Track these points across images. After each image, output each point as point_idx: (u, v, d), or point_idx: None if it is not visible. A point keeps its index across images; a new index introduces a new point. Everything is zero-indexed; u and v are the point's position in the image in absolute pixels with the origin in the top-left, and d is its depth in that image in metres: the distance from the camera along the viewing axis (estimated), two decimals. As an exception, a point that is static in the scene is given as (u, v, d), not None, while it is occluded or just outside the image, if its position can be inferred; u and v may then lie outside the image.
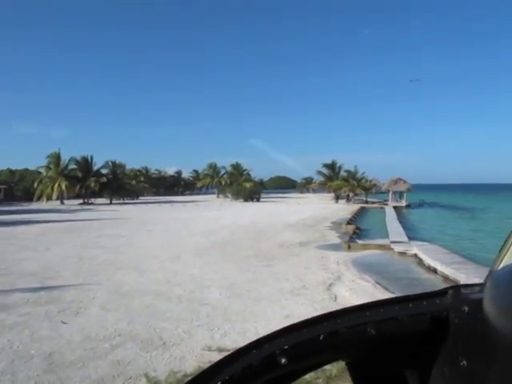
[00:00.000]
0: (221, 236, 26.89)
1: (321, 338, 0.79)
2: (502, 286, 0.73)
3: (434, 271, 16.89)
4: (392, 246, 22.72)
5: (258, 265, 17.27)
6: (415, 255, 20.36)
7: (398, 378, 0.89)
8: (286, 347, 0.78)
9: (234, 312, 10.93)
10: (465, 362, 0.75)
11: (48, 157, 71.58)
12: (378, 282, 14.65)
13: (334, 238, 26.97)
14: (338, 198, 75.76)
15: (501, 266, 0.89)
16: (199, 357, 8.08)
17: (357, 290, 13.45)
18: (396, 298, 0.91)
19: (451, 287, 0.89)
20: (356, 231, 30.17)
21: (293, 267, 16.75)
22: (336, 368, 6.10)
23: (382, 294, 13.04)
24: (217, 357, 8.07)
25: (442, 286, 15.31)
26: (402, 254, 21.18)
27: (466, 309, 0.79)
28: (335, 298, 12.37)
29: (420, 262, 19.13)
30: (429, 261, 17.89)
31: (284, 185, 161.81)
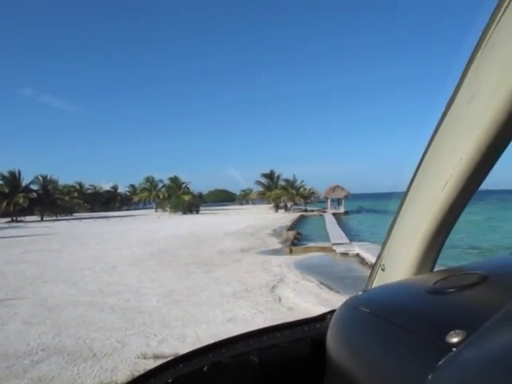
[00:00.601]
0: (158, 246, 25.83)
1: (205, 369, 0.76)
2: (336, 320, 0.81)
3: (376, 269, 16.88)
4: (334, 247, 22.68)
5: (198, 271, 16.52)
6: (357, 255, 20.37)
7: None
8: (169, 381, 0.73)
9: (172, 318, 10.16)
10: None
11: (-30, 172, 67.12)
12: (321, 283, 14.35)
13: (275, 243, 26.66)
14: (277, 207, 76.20)
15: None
16: (133, 365, 7.30)
17: (301, 290, 13.05)
18: (278, 325, 0.91)
19: (330, 312, 0.91)
20: (297, 236, 30.04)
21: (234, 272, 16.16)
22: None
23: (327, 294, 12.75)
24: (152, 364, 7.31)
25: (385, 282, 15.26)
26: (344, 254, 21.15)
27: None
28: (279, 299, 11.90)
29: (362, 260, 19.12)
30: (371, 259, 17.84)
31: (223, 198, 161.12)
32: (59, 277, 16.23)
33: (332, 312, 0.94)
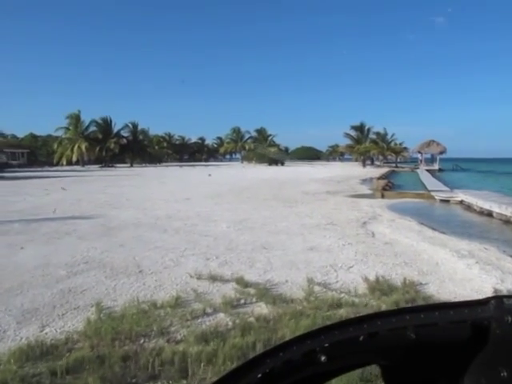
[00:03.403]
0: (239, 185, 24.42)
1: (360, 338, 0.77)
2: None
3: (489, 215, 14.03)
4: (432, 193, 19.82)
5: (278, 206, 14.74)
6: (461, 202, 17.45)
7: None
8: (326, 345, 0.75)
9: (241, 243, 8.48)
10: (505, 373, 0.75)
11: (67, 117, 69.65)
12: (422, 223, 11.95)
13: (364, 189, 24.22)
14: (371, 161, 71.56)
15: None
16: (182, 285, 5.67)
17: (399, 227, 10.82)
18: (436, 304, 0.86)
19: (493, 297, 0.83)
20: (389, 184, 27.11)
21: (319, 208, 14.17)
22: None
23: (431, 233, 10.44)
24: (206, 286, 5.64)
25: (502, 227, 12.54)
26: (445, 201, 18.29)
27: (510, 319, 0.77)
28: (372, 234, 9.81)
29: (468, 207, 16.27)
30: (481, 204, 15.00)
31: (309, 155, 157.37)
32: (131, 204, 15.23)
33: (496, 297, 0.81)
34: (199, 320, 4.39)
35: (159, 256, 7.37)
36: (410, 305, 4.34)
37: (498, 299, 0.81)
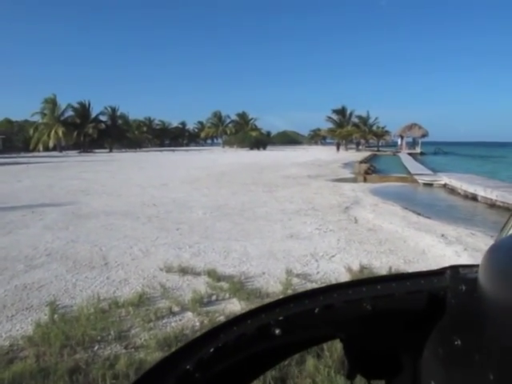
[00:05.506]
0: (218, 170, 23.84)
1: (316, 310, 0.76)
2: (498, 257, 0.70)
3: (474, 198, 13.78)
4: (415, 177, 19.55)
5: (258, 190, 14.27)
6: (444, 185, 17.21)
7: (391, 356, 0.83)
8: (280, 318, 0.75)
9: (217, 231, 8.01)
10: (459, 342, 0.73)
11: (43, 102, 67.65)
12: (406, 208, 11.64)
13: (346, 173, 23.88)
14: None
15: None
16: (149, 279, 5.17)
17: (383, 213, 10.47)
18: (393, 275, 0.88)
19: (450, 267, 0.80)
20: (371, 168, 26.83)
21: (299, 193, 13.75)
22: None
23: (415, 218, 10.12)
24: (176, 280, 5.15)
25: (488, 211, 12.30)
26: (428, 184, 18.05)
27: (464, 288, 0.75)
28: (355, 219, 9.42)
29: (452, 191, 16.02)
30: (466, 187, 14.74)
31: (292, 139, 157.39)
32: (104, 190, 14.62)
33: (452, 267, 0.78)
34: (164, 321, 3.92)
35: (128, 246, 6.86)
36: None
37: (454, 269, 0.78)
